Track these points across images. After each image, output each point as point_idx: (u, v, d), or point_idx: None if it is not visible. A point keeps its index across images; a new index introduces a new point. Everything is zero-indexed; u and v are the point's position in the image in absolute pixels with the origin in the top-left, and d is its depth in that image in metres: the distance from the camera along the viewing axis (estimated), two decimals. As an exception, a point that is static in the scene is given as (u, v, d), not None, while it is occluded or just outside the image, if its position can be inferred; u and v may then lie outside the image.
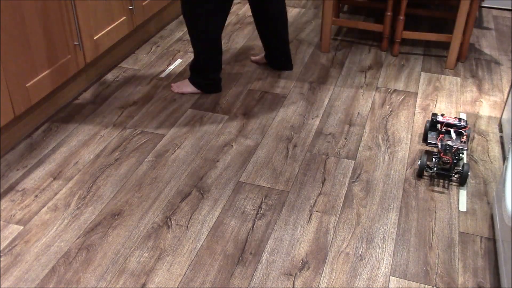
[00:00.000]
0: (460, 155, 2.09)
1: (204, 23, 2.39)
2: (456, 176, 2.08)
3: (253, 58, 2.96)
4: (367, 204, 1.98)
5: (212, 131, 2.38)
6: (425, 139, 2.22)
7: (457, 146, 2.07)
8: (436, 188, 2.05)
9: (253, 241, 1.81)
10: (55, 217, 1.90)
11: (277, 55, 2.81)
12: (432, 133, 2.17)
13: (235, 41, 3.21)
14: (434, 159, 2.06)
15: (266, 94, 2.67)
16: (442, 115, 2.20)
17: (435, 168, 2.04)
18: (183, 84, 2.65)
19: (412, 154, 2.24)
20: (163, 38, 3.24)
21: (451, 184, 2.08)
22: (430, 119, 2.22)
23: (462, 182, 2.03)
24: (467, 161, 2.14)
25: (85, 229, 1.85)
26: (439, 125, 2.20)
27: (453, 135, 2.12)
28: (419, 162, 2.06)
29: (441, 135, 2.14)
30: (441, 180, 2.08)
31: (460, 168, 2.06)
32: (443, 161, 2.03)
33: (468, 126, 2.17)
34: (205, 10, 2.36)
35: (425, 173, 2.10)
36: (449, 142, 2.09)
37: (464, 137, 2.11)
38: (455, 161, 2.05)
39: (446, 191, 2.03)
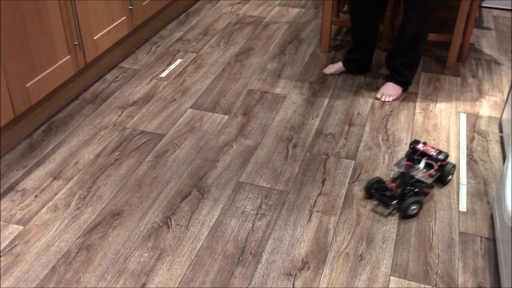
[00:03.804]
0: (417, 188, 1.93)
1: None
2: (395, 206, 1.95)
3: (327, 71, 2.85)
4: (367, 204, 1.98)
5: (212, 131, 2.38)
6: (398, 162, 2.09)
7: (417, 177, 1.95)
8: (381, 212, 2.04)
9: (253, 241, 1.81)
10: (55, 217, 1.90)
11: (371, 58, 2.82)
12: (405, 158, 2.07)
13: (235, 41, 3.21)
14: (379, 183, 1.97)
15: (266, 94, 2.67)
16: (424, 143, 2.06)
17: (376, 191, 1.96)
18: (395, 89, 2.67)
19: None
20: (163, 38, 3.24)
21: (451, 185, 2.08)
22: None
23: (403, 215, 1.89)
24: (420, 198, 1.94)
25: (85, 229, 1.85)
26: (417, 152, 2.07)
27: (422, 165, 2.00)
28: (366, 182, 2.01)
29: (408, 163, 2.02)
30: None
31: (407, 200, 1.87)
32: (386, 188, 1.95)
33: (447, 161, 2.01)
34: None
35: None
36: (414, 172, 1.97)
37: (433, 170, 1.98)
38: (406, 191, 1.91)
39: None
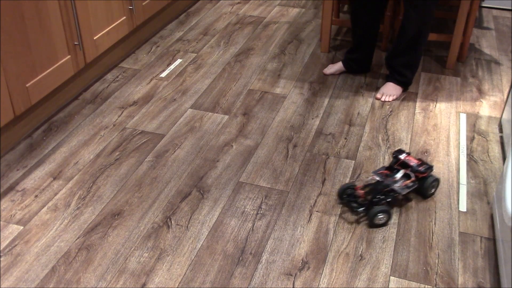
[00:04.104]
0: (389, 198, 1.89)
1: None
2: (361, 214, 1.92)
3: (327, 71, 2.85)
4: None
5: (212, 131, 2.38)
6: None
7: (391, 187, 1.89)
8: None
9: (253, 241, 1.81)
10: (55, 217, 1.90)
11: (371, 58, 2.82)
12: (384, 167, 2.00)
13: (235, 41, 3.21)
14: (350, 188, 1.94)
15: (266, 94, 2.67)
16: (408, 154, 2.00)
17: (347, 196, 1.94)
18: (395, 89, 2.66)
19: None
20: (163, 38, 3.24)
21: (451, 185, 2.08)
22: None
23: (369, 224, 1.87)
24: (389, 208, 1.86)
25: (85, 229, 1.85)
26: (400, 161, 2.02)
27: (399, 175, 1.93)
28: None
29: (385, 171, 1.97)
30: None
31: (374, 209, 1.84)
32: (355, 194, 1.92)
33: (428, 174, 1.94)
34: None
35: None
36: (390, 181, 1.90)
37: (409, 181, 1.92)
38: (375, 199, 1.87)
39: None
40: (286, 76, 2.84)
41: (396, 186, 1.90)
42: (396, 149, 2.05)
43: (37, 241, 1.80)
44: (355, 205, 1.90)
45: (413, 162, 1.97)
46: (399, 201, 1.99)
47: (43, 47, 2.27)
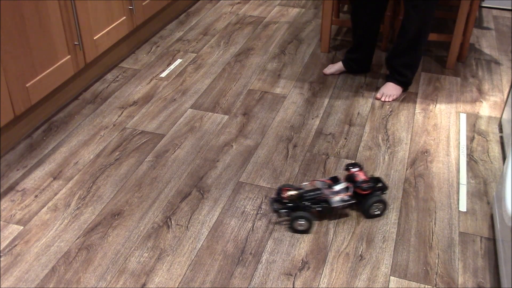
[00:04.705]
0: (320, 207, 1.84)
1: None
2: (284, 216, 1.90)
3: (327, 71, 2.85)
4: (367, 204, 1.98)
5: (212, 131, 2.38)
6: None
7: (322, 196, 1.85)
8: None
9: (253, 241, 1.81)
10: (55, 217, 1.90)
11: (371, 58, 2.81)
12: (329, 177, 1.97)
13: (235, 41, 3.21)
14: (281, 191, 1.89)
15: (266, 94, 2.67)
16: (360, 169, 1.93)
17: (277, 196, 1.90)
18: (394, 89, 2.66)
19: (412, 154, 2.24)
20: (163, 38, 3.24)
21: (451, 185, 2.08)
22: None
23: (289, 226, 1.84)
24: (309, 215, 1.82)
25: (85, 229, 1.85)
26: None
27: (339, 187, 1.87)
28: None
29: (330, 181, 1.90)
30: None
31: (295, 213, 1.81)
32: (281, 196, 1.88)
33: (372, 192, 1.87)
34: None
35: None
36: (327, 191, 1.86)
37: (345, 195, 1.85)
38: (300, 204, 1.84)
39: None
40: (286, 76, 2.84)
41: (331, 197, 1.85)
42: (352, 162, 2.01)
43: (37, 241, 1.80)
44: (278, 206, 1.87)
45: (360, 177, 1.89)
46: (400, 201, 1.99)
47: (43, 47, 2.27)
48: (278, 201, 1.89)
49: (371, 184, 1.88)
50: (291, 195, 1.85)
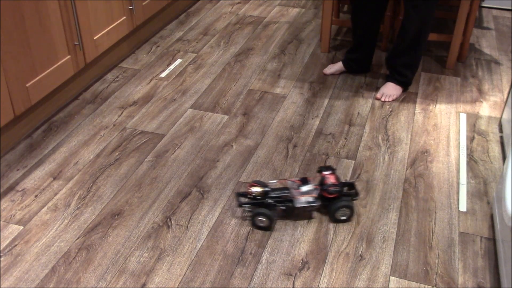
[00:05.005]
0: (284, 207, 1.85)
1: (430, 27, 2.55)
2: (247, 211, 1.92)
3: (327, 71, 2.85)
4: (367, 204, 1.98)
5: (212, 131, 2.38)
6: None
7: (288, 196, 1.85)
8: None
9: (253, 241, 1.81)
10: (55, 217, 1.90)
11: (371, 58, 2.81)
12: (299, 177, 1.92)
13: (235, 41, 3.21)
14: (255, 185, 1.87)
15: (266, 94, 2.67)
16: (332, 172, 1.90)
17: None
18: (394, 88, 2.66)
19: (412, 154, 2.24)
20: (163, 38, 3.24)
21: (451, 185, 2.08)
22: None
23: (252, 221, 1.86)
24: (271, 213, 1.82)
25: (85, 229, 1.85)
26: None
27: (306, 188, 1.84)
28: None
29: (298, 181, 1.88)
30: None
31: (256, 210, 1.82)
32: (248, 189, 1.87)
33: (338, 196, 1.85)
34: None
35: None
36: (294, 191, 1.84)
37: (310, 196, 1.84)
38: (263, 201, 1.84)
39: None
40: (286, 76, 2.84)
41: (296, 197, 1.84)
42: (327, 165, 2.01)
43: (37, 241, 1.80)
44: (243, 201, 1.88)
45: (329, 181, 1.87)
46: (400, 201, 1.99)
47: (43, 47, 2.27)
48: (244, 196, 1.89)
49: (339, 188, 1.85)
50: (256, 191, 1.85)
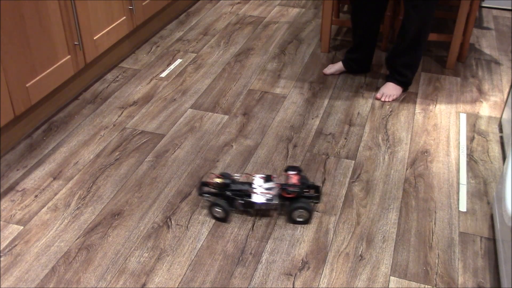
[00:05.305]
0: (242, 201, 1.86)
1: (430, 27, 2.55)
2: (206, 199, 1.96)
3: (327, 71, 2.85)
4: (367, 204, 1.98)
5: (212, 131, 2.38)
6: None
7: (248, 191, 1.86)
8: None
9: (253, 241, 1.81)
10: (55, 217, 1.90)
11: (371, 58, 2.81)
12: (265, 174, 1.94)
13: (235, 41, 3.21)
14: (219, 177, 1.90)
15: (266, 94, 2.67)
16: (297, 173, 1.91)
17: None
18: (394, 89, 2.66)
19: (412, 154, 2.24)
20: (163, 38, 3.24)
21: (451, 185, 2.08)
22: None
23: (209, 211, 1.90)
24: (227, 206, 1.85)
25: (85, 229, 1.85)
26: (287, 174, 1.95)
27: (267, 186, 1.88)
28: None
29: (261, 177, 1.91)
30: None
31: (215, 200, 1.86)
32: (211, 179, 1.88)
33: (297, 197, 1.85)
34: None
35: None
36: (256, 187, 1.87)
37: (268, 193, 1.85)
38: (222, 193, 1.87)
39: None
40: (286, 76, 2.84)
41: (255, 193, 1.86)
42: (294, 165, 2.03)
43: (37, 241, 1.80)
44: (204, 190, 1.91)
45: (291, 181, 1.88)
46: (400, 201, 1.99)
47: (43, 47, 2.27)
48: (206, 185, 1.91)
49: (297, 189, 1.85)
50: (217, 182, 1.88)
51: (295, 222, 1.88)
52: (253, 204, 1.88)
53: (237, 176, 2.00)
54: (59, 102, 2.53)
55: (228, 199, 1.88)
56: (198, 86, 2.73)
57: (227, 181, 1.88)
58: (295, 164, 2.15)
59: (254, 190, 1.87)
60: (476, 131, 2.40)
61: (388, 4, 2.95)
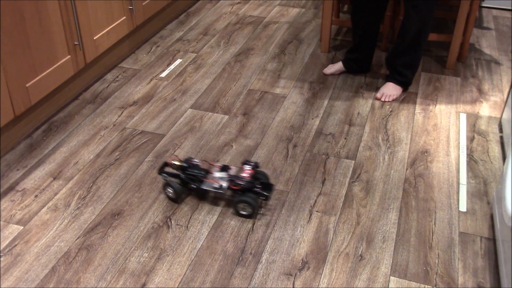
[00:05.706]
0: (194, 184, 1.92)
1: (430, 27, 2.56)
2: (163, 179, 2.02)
3: (327, 71, 2.85)
4: (367, 204, 1.98)
5: (212, 131, 2.38)
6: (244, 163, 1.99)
7: (201, 177, 1.92)
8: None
9: (253, 241, 1.81)
10: (55, 217, 1.90)
11: (371, 58, 2.81)
12: (223, 164, 2.00)
13: (235, 41, 3.21)
14: (179, 160, 1.97)
15: (266, 94, 2.67)
16: (253, 168, 1.95)
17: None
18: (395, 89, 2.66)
19: (412, 154, 2.24)
20: (163, 38, 3.24)
21: (451, 185, 2.08)
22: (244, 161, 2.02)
23: (163, 189, 1.98)
24: (177, 187, 1.92)
25: (85, 229, 1.85)
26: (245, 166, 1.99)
27: (219, 175, 1.94)
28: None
29: (217, 166, 1.98)
30: None
31: (169, 182, 1.93)
32: (171, 160, 1.95)
33: (243, 190, 1.89)
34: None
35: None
36: (210, 173, 1.94)
37: (216, 182, 1.91)
38: (181, 176, 1.94)
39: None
40: (286, 76, 2.84)
41: (206, 180, 1.93)
42: (251, 160, 2.07)
43: (37, 241, 1.80)
44: (163, 170, 2.00)
45: (242, 174, 1.92)
46: (400, 201, 1.99)
47: (43, 47, 2.27)
48: (167, 165, 1.99)
49: (244, 183, 1.88)
50: (175, 163, 1.96)
51: (239, 215, 1.92)
52: (202, 190, 1.95)
53: (197, 161, 2.02)
54: (59, 102, 2.53)
55: (182, 181, 1.95)
56: (198, 86, 2.73)
57: (185, 164, 1.95)
58: (254, 160, 2.17)
59: (207, 177, 1.94)
60: (476, 131, 2.40)
61: (388, 4, 2.95)
